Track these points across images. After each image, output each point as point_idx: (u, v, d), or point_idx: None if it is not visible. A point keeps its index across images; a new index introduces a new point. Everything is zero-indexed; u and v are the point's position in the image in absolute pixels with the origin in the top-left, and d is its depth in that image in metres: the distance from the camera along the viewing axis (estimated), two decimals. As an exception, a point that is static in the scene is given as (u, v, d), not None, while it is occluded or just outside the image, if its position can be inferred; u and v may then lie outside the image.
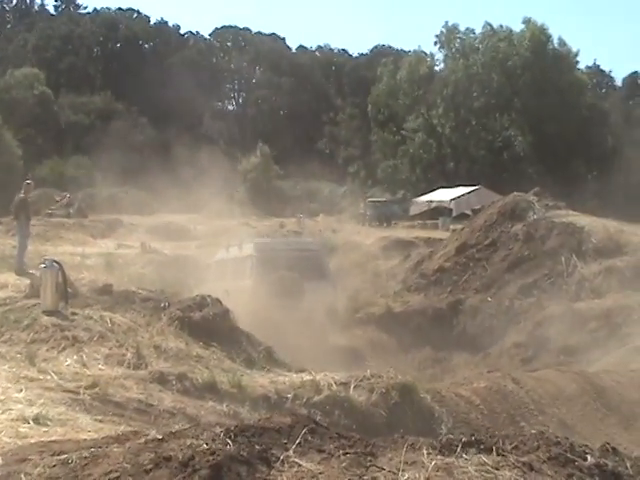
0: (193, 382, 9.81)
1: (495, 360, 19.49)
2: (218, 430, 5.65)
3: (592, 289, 21.32)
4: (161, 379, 9.65)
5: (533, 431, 5.88)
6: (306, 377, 10.96)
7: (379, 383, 10.98)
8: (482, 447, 5.37)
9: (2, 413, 7.63)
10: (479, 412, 11.97)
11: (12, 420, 7.36)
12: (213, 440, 5.48)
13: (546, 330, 19.87)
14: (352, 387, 10.77)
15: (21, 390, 8.41)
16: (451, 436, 5.77)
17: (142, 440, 5.83)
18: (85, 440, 6.60)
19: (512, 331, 20.25)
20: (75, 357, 9.89)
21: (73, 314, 11.22)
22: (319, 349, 18.26)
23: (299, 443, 5.45)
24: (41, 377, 8.96)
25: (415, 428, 10.87)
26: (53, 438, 6.90)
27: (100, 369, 9.65)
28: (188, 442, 5.48)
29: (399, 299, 23.01)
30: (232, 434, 5.52)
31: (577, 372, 14.93)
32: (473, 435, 5.64)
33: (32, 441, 6.79)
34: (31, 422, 7.35)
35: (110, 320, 11.20)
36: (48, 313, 11.03)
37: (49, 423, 7.47)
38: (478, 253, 23.67)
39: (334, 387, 10.61)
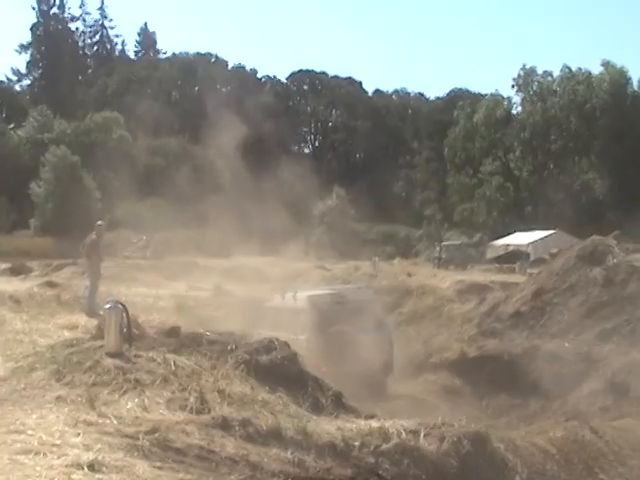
0: (257, 428, 9.45)
1: (572, 408, 18.82)
2: (276, 482, 5.34)
3: (673, 335, 20.64)
4: (224, 425, 9.33)
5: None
6: (374, 424, 10.56)
7: (450, 431, 10.52)
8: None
9: (57, 458, 7.39)
10: (555, 463, 11.44)
11: (66, 466, 7.12)
12: (270, 493, 5.18)
13: (626, 377, 19.20)
14: (422, 435, 10.33)
15: (79, 434, 8.16)
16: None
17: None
18: (140, 489, 6.35)
19: (590, 378, 19.56)
20: (136, 401, 9.62)
21: (136, 356, 10.98)
22: (380, 400, 17.97)
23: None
24: (100, 421, 8.70)
25: (488, 479, 10.44)
26: (107, 486, 6.67)
27: (161, 414, 9.37)
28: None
29: (474, 344, 22.50)
30: (291, 486, 5.21)
31: (659, 421, 14.32)
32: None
33: (85, 489, 6.57)
34: (85, 468, 7.09)
35: (174, 363, 10.92)
36: (111, 355, 10.80)
37: (104, 470, 7.21)
38: (556, 297, 23.08)
39: (403, 435, 10.18)
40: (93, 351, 11.30)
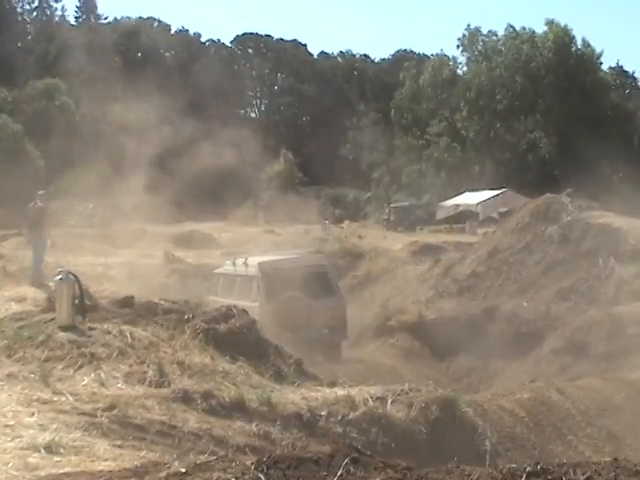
0: (220, 400, 9.08)
1: (533, 367, 18.73)
2: (248, 462, 4.96)
3: (631, 292, 20.51)
4: (185, 398, 8.93)
5: (607, 459, 5.12)
6: (340, 392, 10.23)
7: (418, 397, 10.25)
8: (550, 477, 4.67)
9: (11, 440, 6.96)
10: (524, 425, 11.23)
11: (22, 449, 6.69)
12: (243, 474, 4.81)
13: (585, 336, 19.09)
14: (389, 402, 10.04)
15: (33, 414, 7.73)
16: (514, 466, 5.05)
17: (163, 474, 5.16)
18: (101, 472, 5.94)
19: (550, 337, 19.45)
20: (92, 376, 9.18)
21: (91, 329, 10.51)
22: (337, 364, 17.81)
23: (340, 475, 4.75)
24: (55, 399, 8.26)
25: (457, 444, 10.18)
26: (66, 469, 6.24)
27: (119, 388, 8.95)
28: (215, 476, 4.82)
29: (431, 305, 22.28)
30: (264, 466, 4.84)
31: (624, 380, 14.17)
32: (538, 464, 4.90)
33: (42, 473, 6.13)
34: (42, 451, 6.67)
35: (130, 335, 10.48)
36: (64, 328, 10.32)
37: (62, 451, 6.79)
38: (512, 257, 22.88)
39: (370, 403, 9.88)
40: (44, 325, 10.82)
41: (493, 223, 53.76)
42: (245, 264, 22.84)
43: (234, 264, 23.64)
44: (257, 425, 8.86)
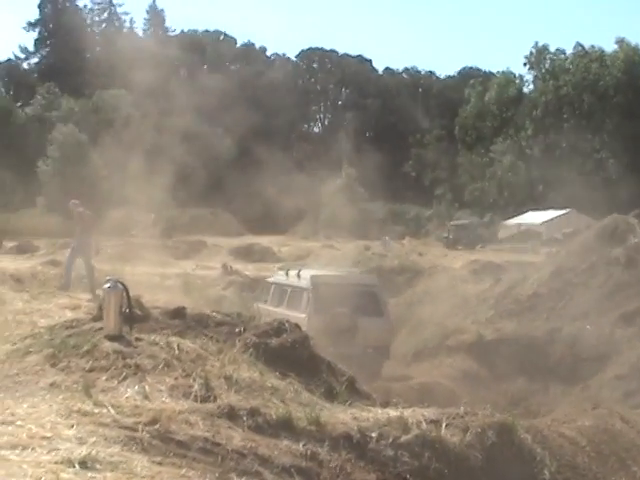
0: (266, 418, 8.72)
1: (595, 393, 18.13)
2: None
3: (700, 317, 19.88)
4: (231, 414, 8.59)
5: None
6: (392, 413, 9.82)
7: (474, 421, 9.78)
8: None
9: (47, 453, 6.67)
10: (585, 455, 10.69)
11: (56, 463, 6.40)
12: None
13: (651, 361, 18.49)
14: (444, 426, 9.60)
15: (72, 426, 7.44)
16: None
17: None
18: (136, 490, 5.65)
19: (613, 362, 18.85)
20: (136, 388, 8.88)
21: (138, 339, 10.23)
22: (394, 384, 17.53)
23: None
24: (96, 411, 7.97)
25: (514, 472, 9.71)
26: (99, 487, 5.97)
27: (163, 402, 8.64)
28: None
29: (491, 326, 21.76)
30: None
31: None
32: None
33: (74, 490, 5.86)
34: (77, 466, 6.37)
35: (178, 346, 10.17)
36: (110, 338, 10.05)
37: (98, 467, 6.49)
38: (575, 278, 22.30)
39: (424, 425, 9.44)
40: (92, 333, 10.57)
41: (557, 243, 53.00)
42: (298, 275, 23.27)
43: (287, 274, 24.13)
44: (304, 445, 8.49)
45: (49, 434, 7.15)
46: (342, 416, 9.45)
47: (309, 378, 10.90)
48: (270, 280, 25.62)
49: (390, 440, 9.08)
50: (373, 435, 9.08)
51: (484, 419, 9.89)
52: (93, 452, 6.71)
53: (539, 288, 22.70)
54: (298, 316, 21.14)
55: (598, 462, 10.72)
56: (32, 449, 6.73)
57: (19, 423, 7.46)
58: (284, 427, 8.70)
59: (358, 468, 8.60)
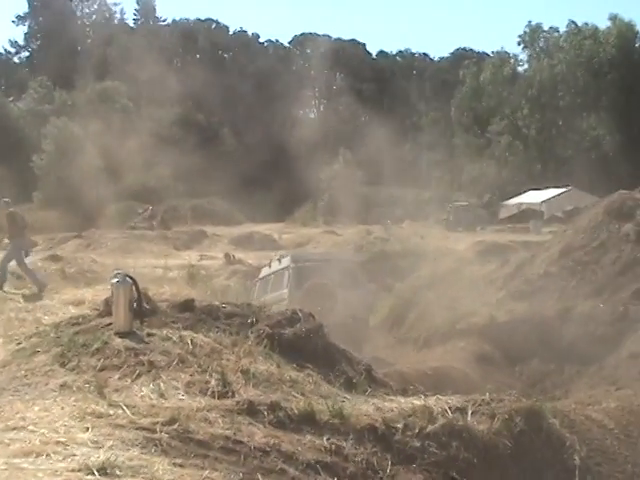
0: (288, 412, 8.37)
1: (611, 372, 17.71)
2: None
3: None
4: (251, 410, 8.24)
5: None
6: (416, 402, 9.47)
7: (501, 407, 9.45)
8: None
9: (62, 460, 6.32)
10: (614, 438, 10.35)
11: (73, 470, 6.06)
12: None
13: (667, 338, 18.09)
14: (470, 413, 9.26)
15: (87, 429, 7.08)
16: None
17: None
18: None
19: (628, 340, 18.38)
20: (151, 386, 8.52)
21: (149, 335, 9.87)
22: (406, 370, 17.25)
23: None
24: (111, 412, 7.61)
25: (545, 459, 9.39)
26: (121, 495, 5.63)
27: (180, 400, 8.28)
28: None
29: (502, 307, 21.31)
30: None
31: None
32: None
33: (95, 500, 5.51)
34: (96, 472, 6.02)
35: (191, 341, 9.81)
36: (121, 335, 9.69)
37: (118, 472, 6.15)
38: (586, 256, 21.79)
39: (449, 414, 9.10)
40: (101, 330, 10.20)
41: (558, 222, 52.72)
42: (279, 260, 25.44)
43: (270, 266, 26.23)
44: (328, 439, 8.15)
45: (63, 439, 6.80)
46: (365, 407, 9.12)
47: (326, 368, 10.56)
48: (257, 278, 27.34)
49: (416, 431, 8.75)
50: (398, 426, 8.74)
51: (511, 405, 9.56)
52: (111, 457, 6.37)
53: (549, 267, 22.22)
54: (281, 292, 23.36)
55: (627, 445, 10.39)
56: (47, 456, 6.38)
57: (31, 428, 7.11)
58: (306, 421, 8.36)
59: (385, 461, 8.27)
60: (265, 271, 26.68)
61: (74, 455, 6.42)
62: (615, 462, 9.98)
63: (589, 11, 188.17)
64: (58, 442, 6.70)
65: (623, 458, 10.10)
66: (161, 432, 7.27)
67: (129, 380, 8.71)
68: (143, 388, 8.48)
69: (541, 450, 9.41)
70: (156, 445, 7.00)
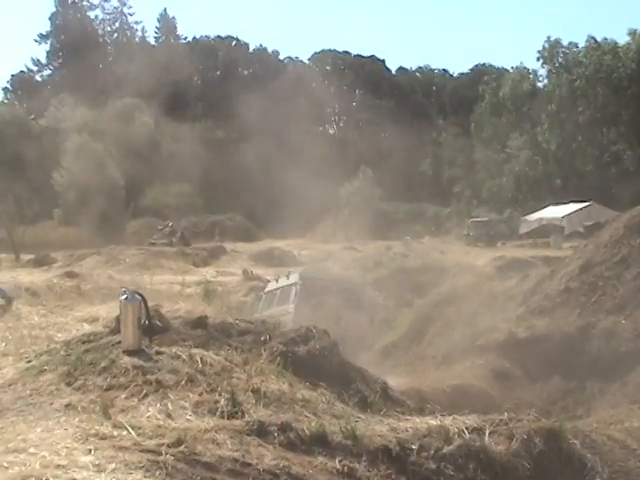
0: (299, 433, 8.11)
1: (634, 390, 17.34)
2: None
3: None
4: (261, 431, 7.99)
5: None
6: (432, 422, 9.20)
7: (519, 428, 9.15)
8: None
9: (62, 484, 6.09)
10: (638, 459, 10.03)
11: (72, 495, 5.83)
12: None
13: (691, 355, 17.71)
14: (487, 434, 8.97)
15: (90, 451, 6.85)
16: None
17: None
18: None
19: (652, 357, 18.05)
20: (158, 406, 8.28)
21: (158, 353, 9.64)
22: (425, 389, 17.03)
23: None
24: (115, 433, 7.37)
25: (565, 482, 9.10)
26: (120, 522, 5.39)
27: (188, 420, 8.04)
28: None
29: (522, 323, 20.94)
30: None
31: None
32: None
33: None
34: (96, 498, 5.79)
35: (201, 359, 9.57)
36: (129, 353, 9.46)
37: (119, 497, 5.92)
38: (607, 271, 21.40)
39: (466, 435, 8.81)
40: (109, 348, 9.98)
41: (579, 237, 52.31)
42: (287, 276, 26.41)
43: (277, 281, 27.20)
44: (341, 461, 7.89)
45: (64, 462, 6.56)
46: (379, 427, 8.84)
47: (340, 387, 10.32)
48: (265, 290, 28.18)
49: (432, 452, 8.46)
50: (413, 447, 8.46)
51: (530, 425, 9.27)
52: (113, 481, 6.14)
53: (569, 283, 21.84)
54: (286, 307, 24.01)
55: (651, 466, 10.07)
56: (46, 480, 6.16)
57: (32, 450, 6.87)
58: (318, 442, 8.10)
59: (397, 482, 8.01)
60: (272, 285, 27.52)
61: (74, 479, 6.18)
62: (639, 485, 9.67)
63: (608, 26, 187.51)
64: (59, 465, 6.47)
65: (647, 481, 9.79)
66: (166, 454, 7.03)
67: (136, 400, 8.48)
68: (150, 408, 8.25)
69: (561, 472, 9.11)
70: (161, 468, 6.76)
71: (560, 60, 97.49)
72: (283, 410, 8.77)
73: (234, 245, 56.80)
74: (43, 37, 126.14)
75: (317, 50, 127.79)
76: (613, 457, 9.84)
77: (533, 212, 74.32)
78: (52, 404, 8.53)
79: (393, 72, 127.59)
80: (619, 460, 9.84)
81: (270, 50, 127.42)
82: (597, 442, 10.00)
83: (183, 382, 8.94)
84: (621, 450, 10.10)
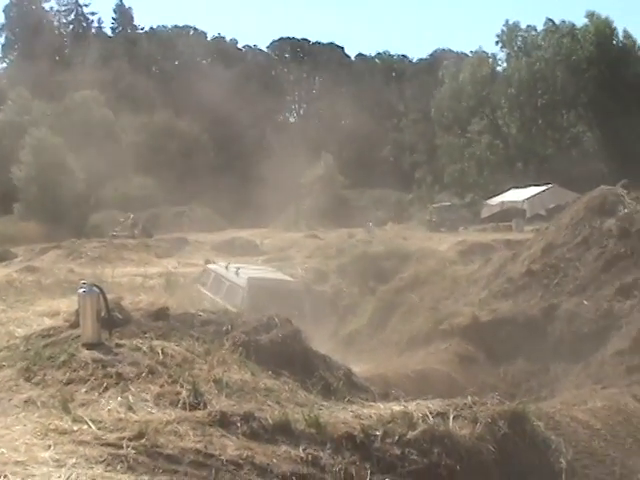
0: (262, 422, 8.05)
1: (597, 370, 17.46)
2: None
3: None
4: (223, 421, 7.92)
5: None
6: (395, 408, 9.16)
7: (483, 411, 9.15)
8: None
9: (20, 481, 5.99)
10: (601, 439, 10.08)
11: (31, 492, 5.73)
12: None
13: (652, 334, 17.79)
14: (451, 418, 8.95)
15: (49, 447, 6.75)
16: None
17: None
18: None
19: (613, 337, 18.14)
20: (119, 399, 8.19)
21: (118, 346, 9.53)
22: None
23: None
24: (75, 428, 7.26)
25: (530, 463, 9.11)
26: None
27: (149, 413, 7.95)
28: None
29: (485, 307, 21.01)
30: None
31: None
32: None
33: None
34: (55, 494, 5.70)
35: (162, 351, 9.47)
36: (88, 346, 9.34)
37: (79, 493, 5.82)
38: (568, 253, 21.52)
39: (430, 419, 8.79)
40: (69, 342, 9.85)
41: (541, 220, 52.54)
42: (237, 272, 26.41)
43: (227, 268, 27.33)
44: (304, 449, 7.84)
45: (23, 458, 6.47)
46: (343, 415, 8.80)
47: (304, 375, 10.25)
48: (211, 267, 28.92)
49: (396, 438, 8.44)
50: (377, 434, 8.43)
51: (494, 408, 9.27)
52: (73, 476, 6.06)
53: (531, 265, 21.94)
54: (232, 309, 23.36)
55: (615, 446, 10.13)
56: (4, 477, 6.05)
57: (-10, 447, 6.77)
58: (281, 431, 8.05)
59: (363, 471, 7.97)
60: (220, 270, 27.83)
61: (33, 475, 6.11)
62: (603, 464, 9.71)
63: (566, 9, 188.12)
64: (17, 462, 6.38)
65: (611, 460, 9.83)
66: (128, 447, 6.95)
67: (96, 393, 8.38)
68: (110, 401, 8.15)
69: (526, 454, 9.13)
70: (122, 462, 6.68)
71: (519, 44, 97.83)
72: (246, 400, 8.71)
73: (196, 236, 56.51)
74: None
75: (275, 38, 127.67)
76: (577, 438, 9.89)
77: (495, 196, 74.54)
78: (11, 400, 8.40)
79: (352, 58, 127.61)
80: (583, 440, 9.89)
81: (228, 39, 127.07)
82: (561, 423, 10.04)
83: (144, 374, 8.84)
84: (585, 430, 10.15)
